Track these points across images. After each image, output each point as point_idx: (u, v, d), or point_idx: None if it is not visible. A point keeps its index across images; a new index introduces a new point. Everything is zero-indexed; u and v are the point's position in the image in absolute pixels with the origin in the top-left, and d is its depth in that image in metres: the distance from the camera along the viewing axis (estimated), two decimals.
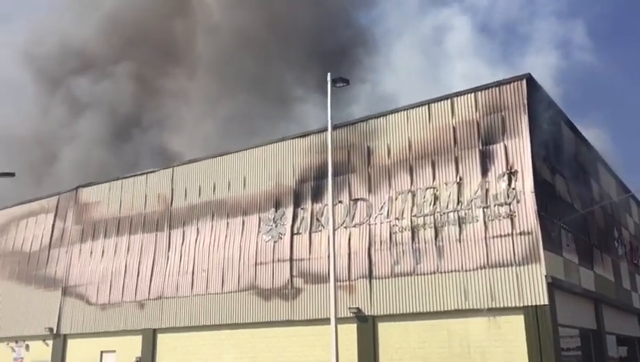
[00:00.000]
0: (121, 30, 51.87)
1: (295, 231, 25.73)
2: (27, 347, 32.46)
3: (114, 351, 29.50)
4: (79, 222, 32.86)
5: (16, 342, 32.75)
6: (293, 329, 24.79)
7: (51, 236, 33.68)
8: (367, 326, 22.70)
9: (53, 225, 33.85)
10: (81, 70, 52.71)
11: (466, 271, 21.00)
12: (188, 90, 51.51)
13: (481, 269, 20.73)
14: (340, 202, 24.46)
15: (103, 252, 31.38)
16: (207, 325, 27.00)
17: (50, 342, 31.61)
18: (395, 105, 25.62)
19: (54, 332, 31.43)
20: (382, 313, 22.52)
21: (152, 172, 31.46)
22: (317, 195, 25.60)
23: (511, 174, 20.86)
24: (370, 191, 24.14)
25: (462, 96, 22.75)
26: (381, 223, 23.41)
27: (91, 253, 31.77)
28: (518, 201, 20.49)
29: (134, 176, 32.08)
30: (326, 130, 22.12)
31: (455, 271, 21.21)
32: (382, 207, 23.56)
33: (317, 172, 25.83)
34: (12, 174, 25.01)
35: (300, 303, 24.76)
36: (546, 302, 19.28)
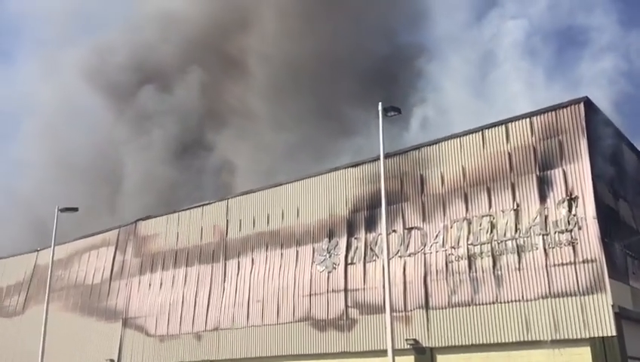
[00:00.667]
0: (185, 49, 53.19)
1: (349, 261, 25.60)
2: None
3: None
4: (138, 254, 33.68)
5: None
6: (349, 361, 24.46)
7: (112, 269, 34.60)
8: (424, 358, 22.18)
9: (114, 258, 34.79)
10: (142, 101, 54.47)
11: (527, 300, 20.33)
12: (244, 120, 52.45)
13: (542, 299, 20.03)
14: (394, 231, 24.23)
15: (161, 284, 31.99)
16: (263, 356, 26.97)
17: None
18: (448, 132, 25.29)
19: None
20: (440, 344, 21.98)
21: (207, 204, 32.06)
22: (370, 225, 25.45)
23: (571, 200, 20.23)
24: (424, 219, 23.84)
25: (517, 122, 22.35)
26: (436, 252, 23.02)
27: (150, 285, 32.44)
28: (579, 228, 19.81)
29: (190, 208, 32.74)
30: (378, 159, 22.06)
31: (515, 300, 20.57)
32: (437, 236, 23.20)
33: (370, 201, 25.73)
34: (75, 209, 25.99)
35: (356, 334, 24.46)
36: (614, 333, 18.41)
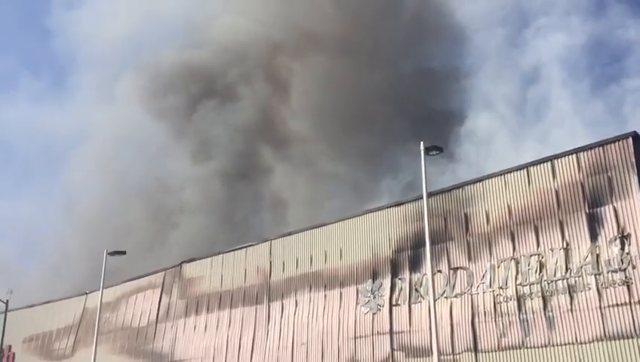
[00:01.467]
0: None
1: (394, 303, 25.19)
2: None
3: None
4: (184, 296, 33.97)
5: None
6: None
7: (158, 311, 34.94)
8: None
9: (160, 300, 35.17)
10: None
11: (581, 343, 19.52)
12: (286, 157, 53.04)
13: (597, 341, 19.21)
14: (439, 271, 23.80)
15: (206, 326, 32.08)
16: None
17: None
18: (491, 170, 24.99)
19: None
20: None
21: (250, 246, 32.24)
22: (415, 265, 25.08)
23: (624, 238, 19.54)
24: (470, 259, 23.36)
25: (563, 158, 21.88)
26: (484, 293, 22.45)
27: (195, 327, 32.57)
28: (633, 267, 19.06)
29: (234, 250, 32.99)
30: (421, 198, 21.88)
31: (569, 343, 19.78)
32: (483, 276, 22.66)
33: (414, 241, 25.41)
34: (123, 252, 26.52)
35: None
36: None
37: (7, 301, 29.37)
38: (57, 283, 54.00)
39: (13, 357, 42.12)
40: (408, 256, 25.51)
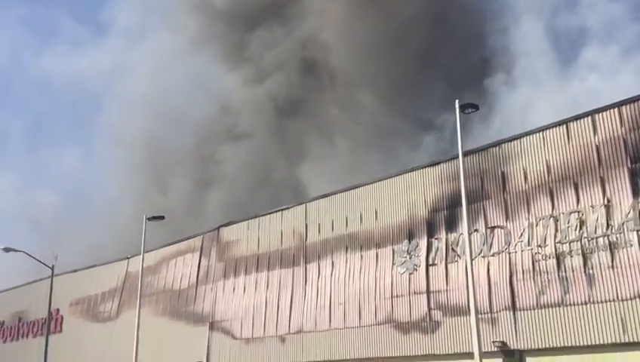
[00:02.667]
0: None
1: (430, 263, 25.21)
2: None
3: None
4: (222, 259, 34.60)
5: None
6: None
7: (198, 274, 35.73)
8: (513, 360, 21.49)
9: (199, 263, 35.91)
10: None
11: (623, 300, 19.26)
12: (323, 119, 52.82)
13: (639, 298, 18.93)
14: (476, 231, 23.63)
15: (244, 288, 32.71)
16: (346, 359, 27.02)
17: None
18: (530, 127, 24.43)
19: None
20: (529, 347, 21.23)
21: (286, 208, 32.50)
22: (451, 225, 24.95)
23: None
24: (507, 218, 23.11)
25: (604, 112, 21.26)
26: (522, 251, 22.25)
27: (234, 289, 33.24)
28: None
29: (270, 213, 33.33)
30: (457, 157, 21.62)
31: (610, 300, 19.54)
32: (521, 235, 22.43)
33: (450, 201, 25.23)
34: (162, 217, 27.03)
35: (440, 336, 24.05)
36: None
37: (53, 266, 30.40)
38: (104, 240, 55.84)
39: (62, 320, 43.87)
40: (444, 215, 25.39)
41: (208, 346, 33.27)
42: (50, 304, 30.60)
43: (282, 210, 32.68)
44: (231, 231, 34.92)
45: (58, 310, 43.16)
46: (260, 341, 30.80)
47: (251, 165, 52.75)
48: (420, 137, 49.56)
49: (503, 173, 23.69)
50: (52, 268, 29.95)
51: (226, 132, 55.21)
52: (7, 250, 29.83)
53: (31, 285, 47.67)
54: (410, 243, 26.22)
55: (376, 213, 28.03)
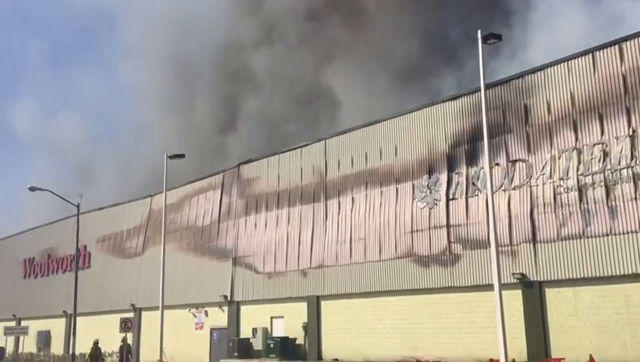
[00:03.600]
0: None
1: (450, 197, 25.22)
2: (206, 313, 35.51)
3: (282, 317, 31.28)
4: (243, 196, 35.00)
5: (197, 308, 35.95)
6: (453, 296, 24.48)
7: (219, 210, 36.27)
8: (533, 292, 21.73)
9: (221, 200, 36.39)
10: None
11: None
12: (345, 51, 51.87)
13: None
14: (497, 165, 23.46)
15: (266, 224, 33.19)
16: (367, 292, 27.59)
17: (225, 309, 34.30)
18: (554, 57, 23.73)
19: (229, 299, 34.02)
20: (549, 278, 21.41)
21: (305, 145, 32.49)
22: (472, 159, 24.78)
23: None
24: (529, 151, 22.86)
25: (632, 40, 20.54)
26: (543, 184, 22.11)
27: (256, 225, 33.75)
28: None
29: (289, 150, 33.37)
30: (478, 90, 21.21)
31: (632, 232, 19.47)
32: (543, 168, 22.22)
33: (471, 135, 24.96)
34: (182, 156, 27.19)
35: (460, 269, 24.34)
36: None
37: (78, 204, 30.99)
38: (129, 176, 56.68)
39: (90, 256, 45.19)
40: (465, 150, 25.19)
41: (232, 281, 34.14)
42: (77, 241, 31.40)
43: (301, 146, 32.69)
44: (251, 168, 35.14)
45: (85, 246, 44.36)
46: (282, 275, 31.49)
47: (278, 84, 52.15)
48: (441, 72, 48.68)
49: (525, 106, 23.27)
50: (77, 206, 30.56)
51: (253, 44, 54.45)
52: (32, 189, 30.42)
53: (58, 223, 48.92)
54: (430, 178, 26.18)
55: (395, 148, 27.91)
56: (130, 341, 28.08)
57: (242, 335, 32.55)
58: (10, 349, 44.61)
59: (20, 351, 46.02)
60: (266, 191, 33.66)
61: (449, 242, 24.85)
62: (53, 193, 30.67)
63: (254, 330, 31.87)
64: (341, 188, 29.96)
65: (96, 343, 24.85)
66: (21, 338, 44.12)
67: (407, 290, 26.08)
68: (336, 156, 30.56)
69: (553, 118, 22.29)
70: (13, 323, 46.62)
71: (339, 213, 29.73)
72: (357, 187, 29.23)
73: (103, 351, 39.44)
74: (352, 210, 29.19)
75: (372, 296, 27.42)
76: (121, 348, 25.65)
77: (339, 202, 29.89)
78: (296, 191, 32.05)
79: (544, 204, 21.92)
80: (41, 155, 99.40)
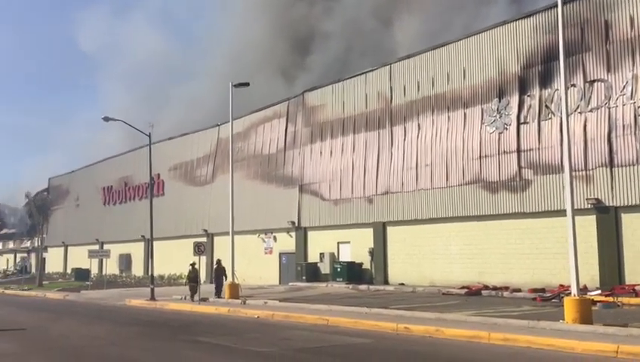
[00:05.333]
0: None
1: (522, 121, 24.36)
2: (275, 238, 36.57)
3: (348, 242, 31.81)
4: (308, 124, 35.03)
5: (265, 234, 37.05)
6: (523, 222, 24.08)
7: (285, 139, 36.55)
8: (608, 217, 21.05)
9: (286, 128, 36.59)
10: None
11: None
12: None
13: None
14: (573, 85, 22.31)
15: (331, 151, 33.27)
16: (433, 218, 27.52)
17: (293, 234, 35.18)
18: None
19: (296, 225, 34.80)
20: (626, 203, 20.64)
21: (370, 71, 31.87)
22: (545, 80, 23.67)
23: None
24: (608, 70, 21.55)
25: None
26: (623, 105, 20.93)
27: (321, 152, 33.89)
28: None
29: (354, 76, 32.85)
30: (554, 6, 19.91)
31: None
32: (624, 88, 20.97)
33: (545, 54, 23.73)
34: (247, 84, 27.20)
35: (530, 195, 23.79)
36: None
37: (150, 133, 31.84)
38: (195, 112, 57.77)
39: (163, 184, 46.97)
40: (538, 71, 24.04)
41: (299, 207, 34.78)
42: (150, 170, 32.50)
43: (366, 72, 32.09)
44: (315, 96, 34.94)
45: (159, 175, 46.07)
46: (348, 202, 31.77)
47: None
48: None
49: (606, 22, 21.76)
50: (149, 136, 31.42)
51: None
52: (106, 119, 31.38)
53: (132, 152, 50.80)
54: (500, 101, 25.27)
55: (464, 71, 26.96)
56: (202, 264, 29.31)
57: (310, 260, 33.45)
58: (94, 271, 47.73)
59: (103, 272, 49.19)
60: (330, 118, 33.54)
61: (519, 167, 24.21)
62: (125, 123, 31.61)
63: (321, 255, 32.66)
64: (407, 114, 29.45)
65: (193, 265, 25.95)
66: (104, 260, 46.98)
67: (475, 216, 25.83)
68: (401, 81, 29.89)
69: (636, 34, 20.80)
70: (96, 247, 49.58)
71: (404, 139, 29.37)
72: (423, 112, 28.65)
73: (179, 273, 41.69)
74: (418, 136, 28.76)
75: (438, 222, 27.35)
76: (217, 271, 26.67)
77: (404, 128, 29.47)
78: (361, 117, 31.77)
79: (623, 126, 20.84)
80: (116, 83, 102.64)
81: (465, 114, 26.73)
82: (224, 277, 26.29)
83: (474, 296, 22.29)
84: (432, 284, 26.46)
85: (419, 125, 28.79)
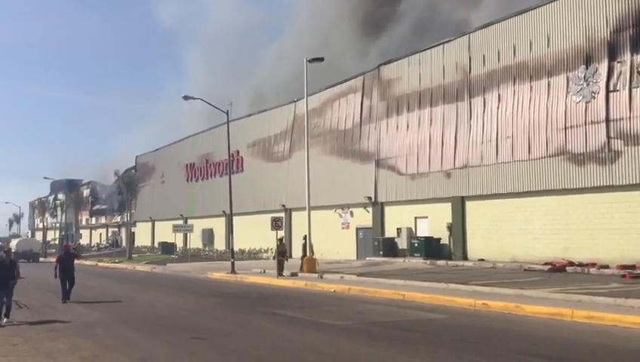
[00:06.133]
0: None
1: (611, 89, 22.97)
2: (351, 213, 36.63)
3: (426, 217, 31.38)
4: (384, 98, 34.60)
5: (342, 209, 37.16)
6: (611, 195, 22.86)
7: (361, 113, 36.30)
8: None
9: (362, 103, 36.31)
10: None
11: None
12: None
13: None
14: None
15: (408, 125, 32.75)
16: (514, 192, 26.63)
17: (369, 209, 35.09)
18: None
19: (372, 200, 34.68)
20: None
21: (447, 42, 30.97)
22: (637, 45, 22.19)
23: None
24: None
25: None
26: None
27: (397, 127, 33.44)
28: None
29: (431, 48, 32.04)
30: None
31: None
32: None
33: (637, 17, 22.16)
34: (321, 59, 27.13)
35: (620, 167, 22.49)
36: None
37: (228, 111, 32.48)
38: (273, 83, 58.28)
39: (242, 161, 48.01)
40: (630, 35, 22.52)
41: (375, 182, 34.59)
42: (229, 147, 33.20)
43: (443, 43, 31.20)
44: (391, 69, 34.40)
45: (238, 151, 47.10)
46: (426, 176, 31.26)
47: None
48: None
49: None
50: (227, 113, 32.08)
51: None
52: (186, 97, 32.29)
53: (213, 130, 52.17)
54: (587, 68, 23.91)
55: (548, 38, 25.65)
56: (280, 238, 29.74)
57: (387, 235, 33.30)
58: (179, 245, 49.76)
59: (188, 246, 51.20)
60: (407, 91, 32.96)
61: (608, 138, 22.90)
62: (204, 101, 32.42)
63: (399, 230, 32.43)
64: (486, 85, 28.46)
65: (281, 239, 26.09)
66: (188, 235, 48.77)
67: (559, 190, 24.76)
68: (480, 51, 28.86)
69: None
70: (180, 222, 51.58)
71: (484, 111, 28.45)
72: (504, 83, 27.59)
73: (258, 248, 42.72)
74: (498, 108, 27.77)
75: (520, 196, 26.44)
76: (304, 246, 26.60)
77: (484, 100, 28.52)
78: (438, 90, 31.02)
79: None
80: (196, 57, 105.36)
81: (549, 83, 25.51)
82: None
83: (558, 272, 21.46)
84: (513, 260, 25.70)
85: (499, 96, 27.77)
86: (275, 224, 25.88)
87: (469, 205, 29.04)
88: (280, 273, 25.08)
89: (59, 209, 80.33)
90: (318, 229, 30.89)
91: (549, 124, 25.26)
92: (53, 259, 21.45)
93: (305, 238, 27.17)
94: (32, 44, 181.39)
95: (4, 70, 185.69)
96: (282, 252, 25.99)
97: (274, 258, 27.11)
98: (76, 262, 19.67)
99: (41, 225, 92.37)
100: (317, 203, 32.03)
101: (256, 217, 43.25)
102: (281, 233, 27.11)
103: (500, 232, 27.36)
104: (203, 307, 16.15)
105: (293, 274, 24.93)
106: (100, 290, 21.94)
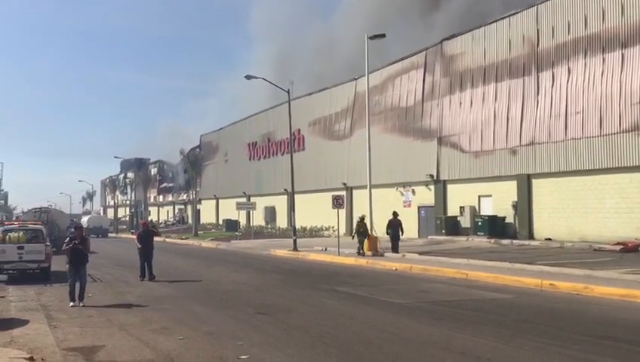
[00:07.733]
0: None
1: None
2: (413, 191, 36.27)
3: (490, 196, 30.71)
4: (447, 74, 33.85)
5: (404, 187, 36.85)
6: None
7: (423, 90, 35.69)
8: None
9: (424, 79, 35.67)
10: None
11: None
12: None
13: None
14: None
15: (471, 102, 31.98)
16: (584, 170, 25.65)
17: (432, 187, 34.64)
18: None
19: (434, 178, 34.19)
20: None
21: (514, 14, 29.90)
22: None
23: None
24: None
25: None
26: None
27: (460, 103, 32.70)
28: None
29: (496, 21, 31.04)
30: None
31: None
32: None
33: None
34: (383, 35, 26.77)
35: None
36: None
37: (289, 90, 32.64)
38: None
39: (303, 139, 48.25)
40: None
41: (437, 160, 34.06)
42: (290, 125, 33.42)
43: (510, 15, 30.15)
44: (454, 44, 33.57)
45: (299, 130, 47.32)
46: (490, 154, 30.52)
47: None
48: None
49: None
50: (288, 92, 32.24)
51: None
52: (248, 77, 32.66)
53: (274, 109, 52.62)
54: None
55: (622, 6, 24.36)
56: (341, 218, 29.75)
57: (449, 214, 32.84)
58: (243, 222, 50.76)
59: (251, 224, 52.20)
60: (470, 67, 32.12)
61: None
62: (265, 80, 32.69)
63: (461, 209, 31.91)
64: (555, 59, 27.37)
65: (362, 218, 25.50)
66: (251, 212, 49.77)
67: (633, 167, 23.68)
68: (549, 23, 27.72)
69: None
70: (243, 200, 52.53)
71: (552, 85, 27.41)
72: (574, 55, 26.46)
73: (320, 225, 43.02)
74: (567, 82, 26.69)
75: (590, 173, 25.46)
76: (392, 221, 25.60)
77: (552, 74, 27.46)
78: (503, 65, 30.07)
79: None
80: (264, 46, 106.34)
81: (623, 55, 24.27)
82: (400, 231, 24.89)
83: (630, 252, 20.62)
84: (582, 240, 24.85)
85: (569, 69, 26.67)
86: (337, 202, 25.96)
87: (536, 183, 28.20)
88: (360, 252, 24.17)
89: (128, 187, 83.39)
90: (380, 208, 30.76)
91: (623, 98, 24.08)
92: (124, 236, 22.25)
93: (361, 219, 25.87)
94: (111, 28, 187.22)
95: (77, 57, 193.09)
96: (363, 231, 24.87)
97: (353, 237, 26.14)
98: (156, 239, 19.33)
99: (112, 203, 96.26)
100: (378, 181, 31.85)
101: (318, 195, 43.51)
102: (342, 211, 26.84)
103: (569, 211, 26.48)
104: (266, 283, 16.46)
105: (380, 255, 23.71)
106: (169, 266, 22.73)
